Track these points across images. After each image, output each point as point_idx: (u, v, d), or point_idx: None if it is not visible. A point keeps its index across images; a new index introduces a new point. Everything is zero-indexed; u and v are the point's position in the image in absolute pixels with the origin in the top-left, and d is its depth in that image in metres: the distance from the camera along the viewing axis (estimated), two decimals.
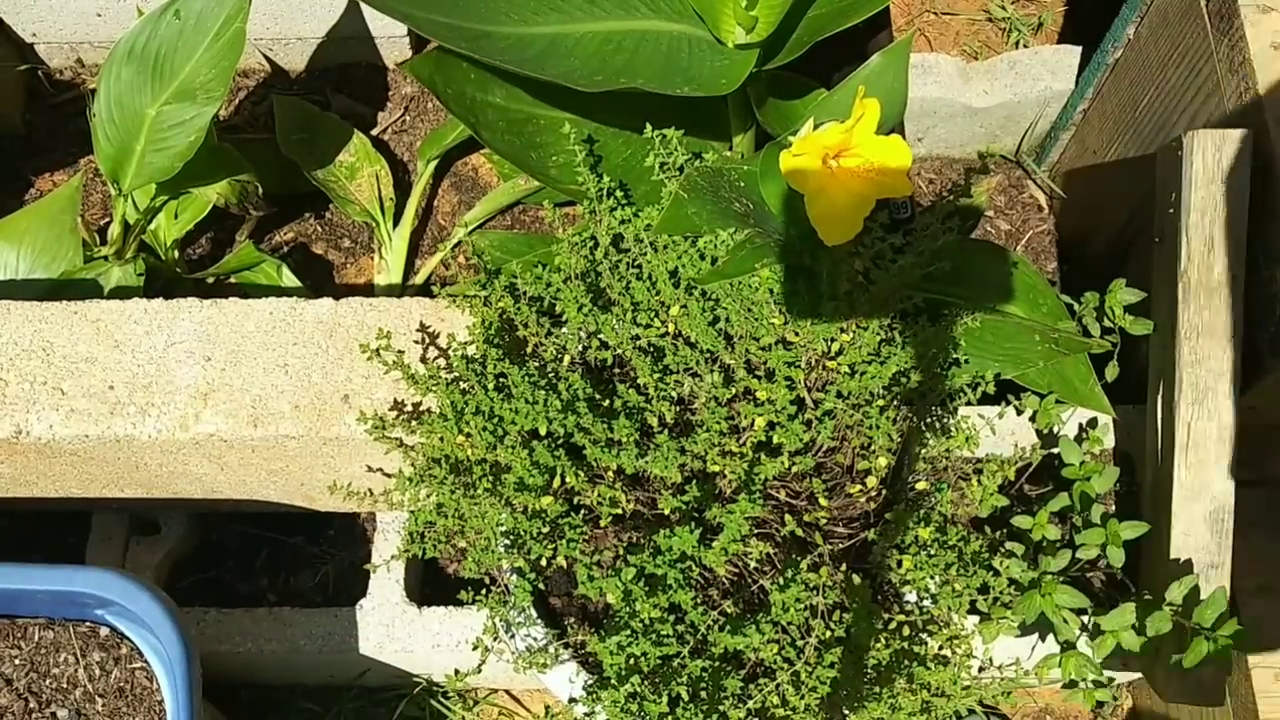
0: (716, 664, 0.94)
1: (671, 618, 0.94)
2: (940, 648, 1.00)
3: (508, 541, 1.00)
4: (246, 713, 1.41)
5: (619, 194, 1.08)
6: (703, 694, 0.92)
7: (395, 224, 1.48)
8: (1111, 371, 1.19)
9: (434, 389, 1.03)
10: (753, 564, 0.94)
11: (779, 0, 0.99)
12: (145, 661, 1.10)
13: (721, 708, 0.90)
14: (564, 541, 0.95)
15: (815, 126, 0.90)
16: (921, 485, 1.02)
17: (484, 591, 1.02)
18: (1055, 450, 1.20)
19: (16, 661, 1.10)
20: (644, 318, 1.01)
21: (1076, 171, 1.52)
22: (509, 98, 1.09)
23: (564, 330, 1.04)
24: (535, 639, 1.02)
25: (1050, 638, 1.19)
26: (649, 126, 1.05)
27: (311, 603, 1.39)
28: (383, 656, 1.27)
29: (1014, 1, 1.69)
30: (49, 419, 1.08)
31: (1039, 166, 1.58)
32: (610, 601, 0.95)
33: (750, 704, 0.91)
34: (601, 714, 0.93)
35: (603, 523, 0.96)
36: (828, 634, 0.92)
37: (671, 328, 1.01)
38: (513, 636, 1.03)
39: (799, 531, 0.94)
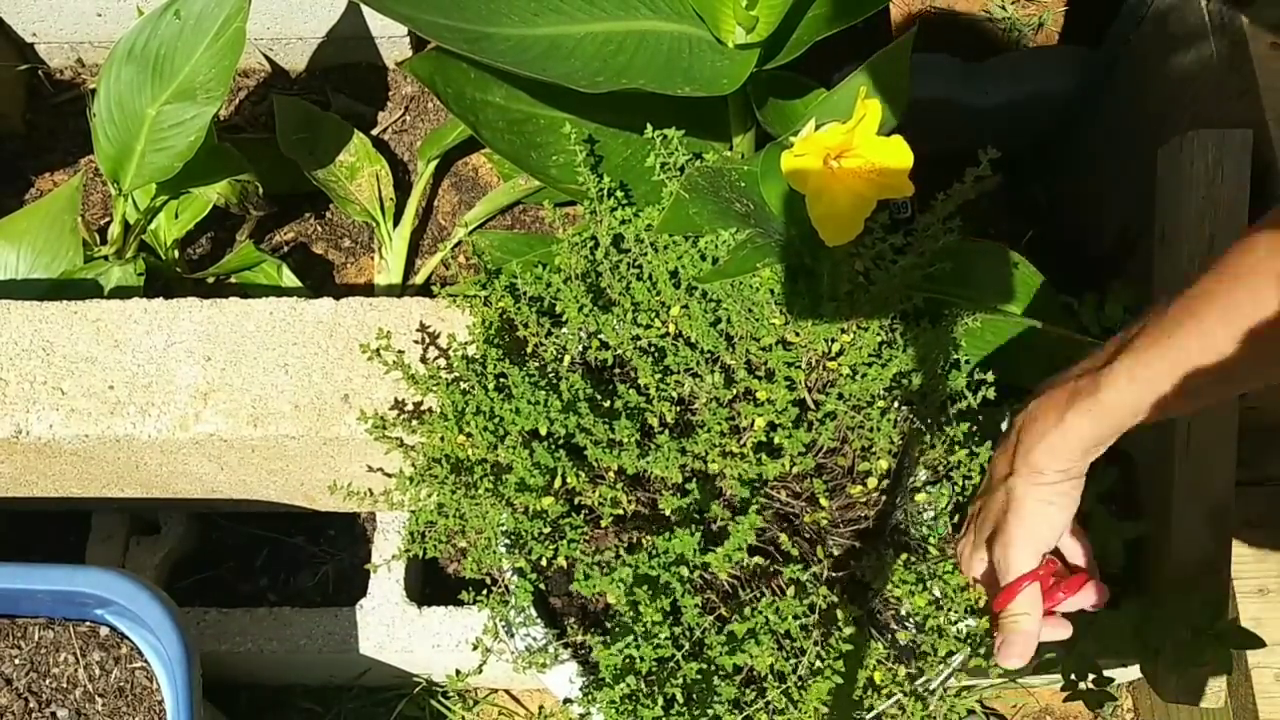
0: (711, 668, 0.93)
1: (669, 620, 0.94)
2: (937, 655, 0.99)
3: (508, 541, 1.00)
4: (246, 712, 1.41)
5: (619, 194, 1.08)
6: (696, 697, 0.92)
7: (395, 224, 1.48)
8: None
9: (434, 389, 1.03)
10: (759, 578, 0.93)
11: (779, 0, 0.99)
12: (145, 661, 1.10)
13: (714, 710, 0.90)
14: (565, 542, 0.95)
15: (817, 127, 0.90)
16: (921, 488, 1.02)
17: (484, 591, 1.02)
18: None
19: (16, 661, 1.10)
20: (644, 318, 1.01)
21: (1076, 171, 1.51)
22: (509, 97, 1.09)
23: (564, 330, 1.04)
24: (535, 639, 1.02)
25: None
26: (649, 127, 1.05)
27: (312, 602, 1.39)
28: (383, 656, 1.27)
29: (1014, 1, 1.69)
30: (49, 419, 1.08)
31: (1039, 166, 1.58)
32: (611, 602, 0.95)
33: (746, 710, 0.92)
34: (597, 714, 0.93)
35: (604, 523, 0.96)
36: (822, 657, 0.92)
37: (672, 328, 1.01)
38: (513, 637, 1.03)
39: (794, 552, 0.94)
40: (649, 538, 0.95)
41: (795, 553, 0.94)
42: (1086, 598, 0.89)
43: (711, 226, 0.96)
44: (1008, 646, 0.87)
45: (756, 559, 0.93)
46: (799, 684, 0.91)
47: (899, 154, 0.90)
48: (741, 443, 0.97)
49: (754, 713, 0.91)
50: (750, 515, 0.91)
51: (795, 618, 0.91)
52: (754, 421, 0.96)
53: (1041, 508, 0.84)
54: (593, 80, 0.95)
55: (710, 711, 0.90)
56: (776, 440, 0.96)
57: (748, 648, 0.90)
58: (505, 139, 1.09)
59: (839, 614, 0.92)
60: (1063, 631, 0.90)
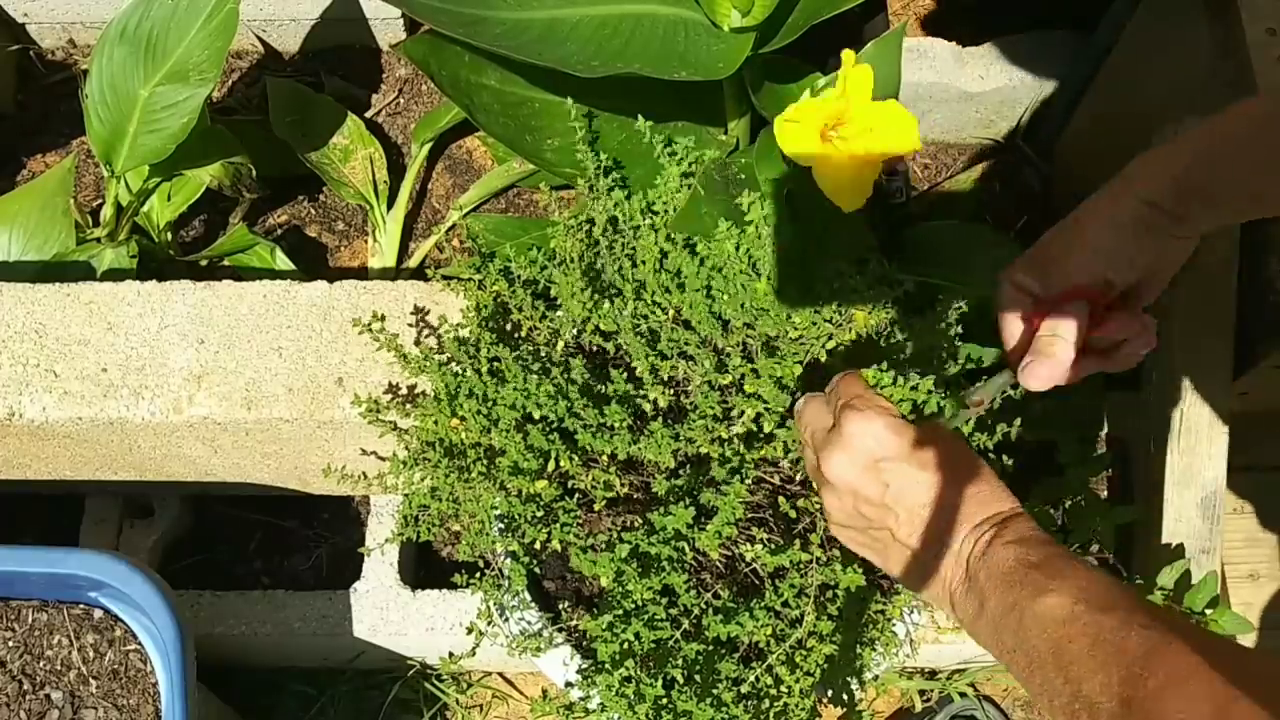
0: (710, 647, 0.94)
1: (665, 600, 0.95)
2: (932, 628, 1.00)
3: (502, 525, 1.00)
4: (240, 695, 1.41)
5: (615, 174, 1.08)
6: (697, 677, 0.93)
7: (389, 207, 1.48)
8: None
9: (428, 372, 1.03)
10: (749, 555, 0.94)
11: None
12: (139, 644, 1.10)
13: (716, 690, 0.91)
14: (558, 525, 0.96)
15: (813, 95, 0.90)
16: None
17: (478, 575, 1.02)
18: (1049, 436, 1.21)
19: (10, 644, 1.10)
20: (648, 295, 1.01)
21: (1072, 157, 1.51)
22: (504, 81, 1.09)
23: (558, 314, 1.04)
24: (529, 622, 1.03)
25: None
26: (640, 118, 1.05)
27: (305, 586, 1.39)
28: (377, 639, 1.27)
29: None
30: (42, 401, 1.08)
31: (1034, 151, 1.58)
32: (603, 584, 0.96)
33: (744, 686, 0.92)
34: (596, 698, 0.94)
35: (597, 506, 0.96)
36: (821, 619, 0.93)
37: (671, 313, 1.01)
38: (506, 620, 1.03)
39: (792, 514, 0.94)
40: (644, 516, 0.96)
41: (792, 514, 0.94)
42: (1134, 331, 0.80)
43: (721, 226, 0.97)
44: (1036, 365, 0.78)
45: (756, 533, 0.94)
46: (798, 648, 0.91)
47: (896, 114, 0.90)
48: (731, 429, 0.97)
49: (755, 686, 0.91)
50: (736, 485, 0.91)
51: (791, 566, 0.91)
52: (744, 411, 0.96)
53: (1111, 224, 0.77)
54: (588, 64, 0.95)
55: (714, 691, 0.91)
56: (767, 428, 0.96)
57: (742, 620, 0.91)
58: (500, 122, 1.08)
59: (835, 570, 0.92)
60: (1105, 365, 0.81)
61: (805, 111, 0.89)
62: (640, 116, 1.05)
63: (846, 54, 0.89)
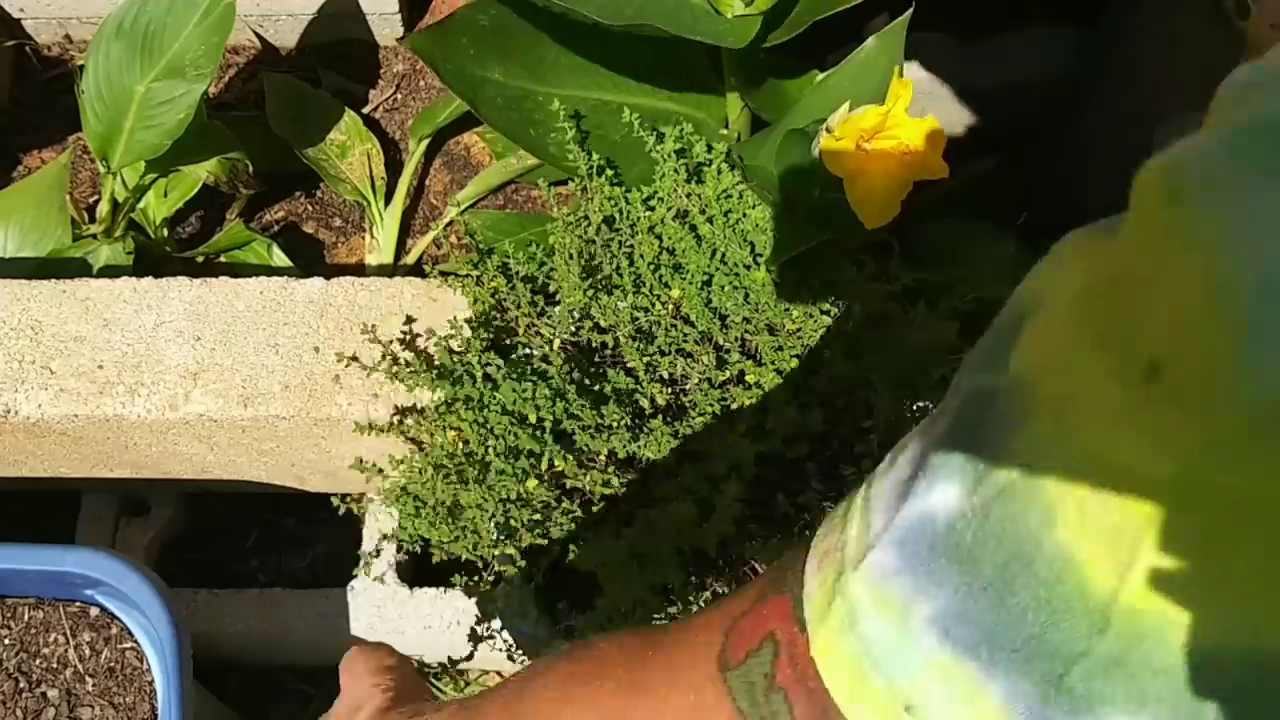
0: None
1: (662, 598, 0.94)
2: None
3: (499, 524, 1.00)
4: (237, 693, 1.41)
5: (609, 173, 1.08)
6: None
7: (387, 203, 1.47)
8: None
9: (424, 375, 1.02)
10: (749, 555, 0.93)
11: None
12: (135, 642, 1.09)
13: None
14: (554, 524, 0.95)
15: (850, 110, 0.90)
16: None
17: (475, 577, 1.02)
18: None
19: (6, 641, 1.10)
20: (646, 289, 1.00)
21: (1075, 153, 1.51)
22: (507, 74, 1.09)
23: (556, 310, 1.04)
24: (527, 621, 1.02)
25: None
26: (629, 112, 1.04)
27: (302, 583, 1.39)
28: (374, 637, 1.27)
29: None
30: (37, 398, 1.07)
31: (1037, 149, 1.57)
32: (600, 582, 0.95)
33: None
34: None
35: (595, 508, 0.96)
36: None
37: (670, 309, 1.01)
38: (504, 620, 1.03)
39: (791, 511, 0.94)
40: (643, 511, 0.95)
41: (791, 511, 0.94)
42: None
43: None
44: None
45: (751, 529, 0.93)
46: None
47: (933, 135, 0.90)
48: (732, 425, 0.97)
49: None
50: (732, 482, 0.91)
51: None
52: (744, 405, 0.96)
53: None
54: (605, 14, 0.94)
55: None
56: (769, 426, 0.96)
57: None
58: (504, 115, 1.08)
59: None
60: None
61: (849, 127, 0.89)
62: (636, 118, 1.04)
63: (895, 69, 0.89)
